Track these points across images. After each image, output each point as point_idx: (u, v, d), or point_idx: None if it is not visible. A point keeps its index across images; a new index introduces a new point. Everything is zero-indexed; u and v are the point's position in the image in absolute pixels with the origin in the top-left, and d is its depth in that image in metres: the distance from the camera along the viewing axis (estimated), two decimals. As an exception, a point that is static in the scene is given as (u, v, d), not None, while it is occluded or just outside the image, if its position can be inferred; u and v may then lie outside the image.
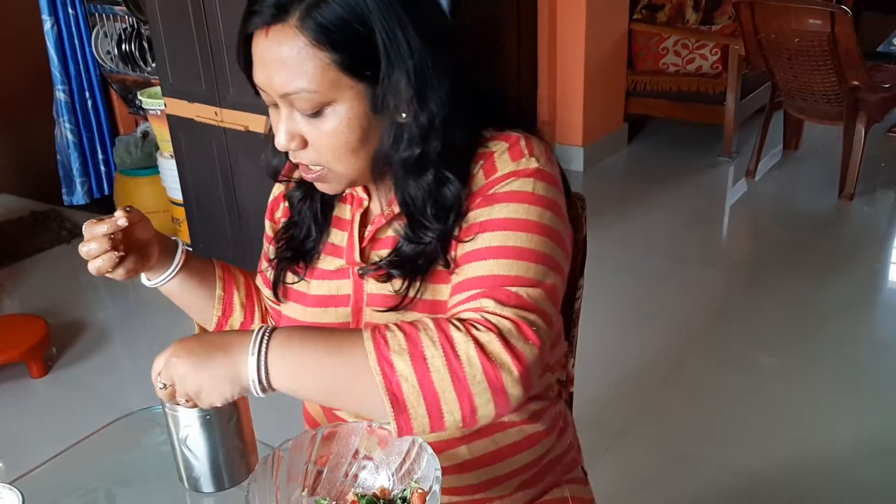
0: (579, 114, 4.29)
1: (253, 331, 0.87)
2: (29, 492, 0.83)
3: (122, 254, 0.99)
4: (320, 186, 1.01)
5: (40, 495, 1.03)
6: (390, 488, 0.92)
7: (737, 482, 2.16)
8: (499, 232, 0.93)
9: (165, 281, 1.10)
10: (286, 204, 1.14)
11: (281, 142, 0.95)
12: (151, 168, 3.69)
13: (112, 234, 0.97)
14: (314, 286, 1.09)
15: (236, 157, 3.04)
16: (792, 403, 2.47)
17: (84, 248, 0.97)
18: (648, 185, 4.20)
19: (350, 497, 0.91)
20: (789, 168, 4.37)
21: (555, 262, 0.94)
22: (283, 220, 1.15)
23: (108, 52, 3.74)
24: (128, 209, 1.00)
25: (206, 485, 1.04)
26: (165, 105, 3.20)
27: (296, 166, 1.02)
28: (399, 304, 0.99)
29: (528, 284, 0.90)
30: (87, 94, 3.87)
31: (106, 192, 4.06)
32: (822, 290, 3.13)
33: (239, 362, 0.85)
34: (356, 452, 0.94)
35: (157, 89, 3.33)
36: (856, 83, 3.66)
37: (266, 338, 0.86)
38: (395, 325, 0.87)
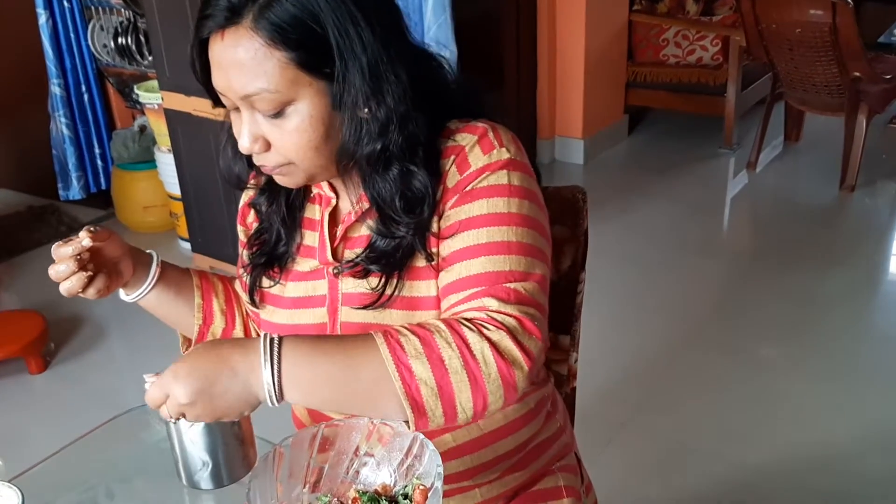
0: (579, 106, 4.28)
1: (256, 344, 0.86)
2: (28, 489, 0.82)
3: (91, 273, 0.99)
4: (280, 180, 1.00)
5: (40, 493, 1.02)
6: (392, 485, 0.91)
7: (737, 474, 2.16)
8: (484, 228, 0.94)
9: (142, 295, 1.10)
10: (253, 209, 1.15)
11: (244, 145, 0.94)
12: (149, 162, 3.67)
13: (79, 254, 0.98)
14: (290, 288, 1.09)
15: (235, 150, 3.02)
16: (792, 395, 2.47)
17: (52, 271, 0.98)
18: (649, 177, 4.19)
19: (351, 494, 0.90)
20: (790, 160, 4.36)
21: (541, 251, 0.96)
22: (254, 224, 1.15)
23: (105, 46, 3.72)
24: (91, 229, 1.01)
25: (206, 482, 1.03)
26: (163, 99, 3.18)
27: (257, 170, 1.03)
28: (376, 301, 0.99)
29: (522, 279, 0.92)
30: (84, 87, 3.86)
31: (103, 187, 4.05)
32: (823, 281, 3.12)
33: (250, 381, 0.85)
34: (357, 449, 0.93)
35: (154, 83, 3.31)
36: (857, 74, 3.64)
37: (276, 351, 0.85)
38: (406, 328, 0.88)
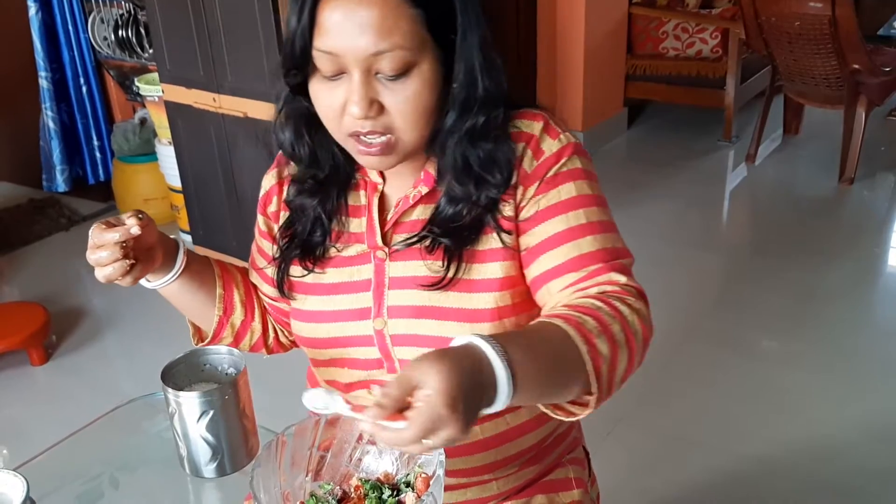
0: (579, 98, 4.28)
1: (492, 365, 0.76)
2: (33, 478, 0.83)
3: (133, 262, 0.95)
4: (373, 162, 0.96)
5: (44, 481, 1.03)
6: (394, 473, 0.92)
7: (737, 467, 2.17)
8: (581, 210, 0.99)
9: (168, 283, 1.07)
10: (285, 203, 1.10)
11: (356, 111, 0.90)
12: (150, 155, 3.68)
13: (124, 241, 0.94)
14: (330, 274, 1.07)
15: (235, 143, 3.03)
16: (792, 388, 2.48)
17: (93, 256, 0.94)
18: (648, 170, 4.20)
19: (354, 482, 0.91)
20: (789, 152, 4.37)
21: (616, 226, 1.03)
22: (282, 213, 1.12)
23: (105, 38, 3.72)
24: (140, 215, 0.96)
25: (209, 471, 1.05)
26: (163, 91, 3.18)
27: (306, 162, 1.02)
28: (435, 284, 0.99)
29: (624, 254, 1.00)
30: (82, 79, 3.86)
31: (101, 178, 4.05)
32: (823, 274, 3.13)
33: (490, 398, 0.76)
34: (360, 437, 0.94)
35: (155, 75, 3.31)
36: (856, 66, 3.64)
37: (510, 368, 0.76)
38: (572, 309, 0.88)
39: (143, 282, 1.04)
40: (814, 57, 3.72)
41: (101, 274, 0.95)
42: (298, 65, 0.93)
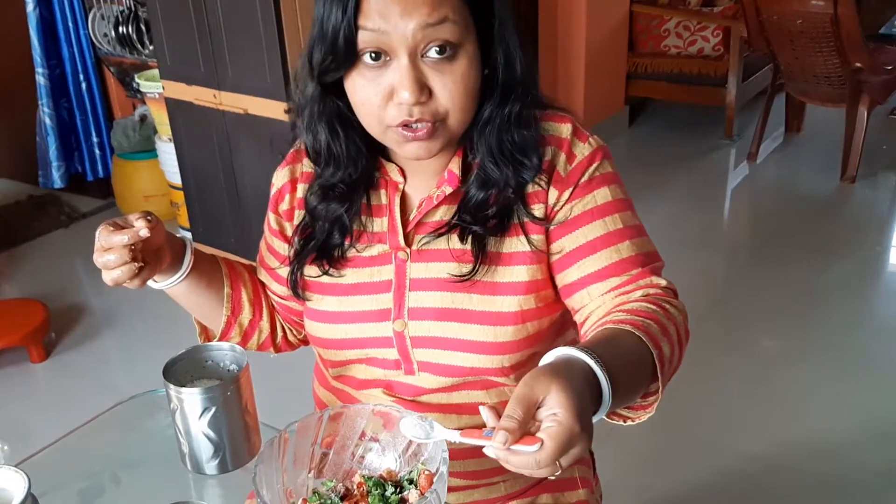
0: (580, 96, 4.27)
1: (589, 368, 0.77)
2: (34, 475, 0.83)
3: (142, 264, 0.93)
4: (418, 149, 0.93)
5: (45, 478, 1.02)
6: (397, 470, 0.91)
7: (738, 464, 2.17)
8: (617, 214, 1.00)
9: (175, 283, 1.05)
10: (308, 207, 1.07)
11: (409, 96, 0.88)
12: (150, 152, 3.67)
13: (133, 245, 0.92)
14: (350, 275, 1.05)
15: (236, 140, 3.03)
16: (793, 386, 2.47)
17: (101, 259, 0.92)
18: (649, 169, 4.19)
19: (356, 479, 0.90)
20: (791, 151, 4.36)
21: (645, 229, 1.05)
22: (297, 211, 1.09)
23: (105, 35, 3.71)
24: (149, 217, 0.94)
25: (210, 468, 1.04)
26: (163, 88, 3.18)
27: (337, 163, 1.01)
28: (463, 277, 0.98)
29: (657, 258, 1.02)
30: (81, 76, 3.85)
31: (100, 175, 4.05)
32: (824, 273, 3.13)
33: (591, 408, 0.76)
34: (363, 434, 0.93)
35: (155, 72, 3.30)
36: (858, 65, 3.64)
37: (612, 391, 0.77)
38: (634, 315, 0.89)
39: (150, 282, 1.02)
40: (815, 55, 3.72)
41: (108, 277, 0.93)
42: (341, 58, 0.90)
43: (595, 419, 0.76)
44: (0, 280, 3.40)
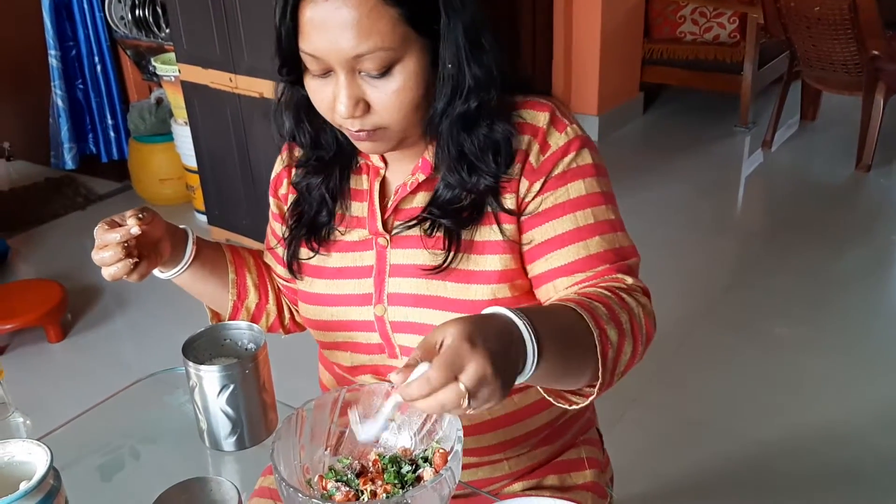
0: (595, 82, 4.26)
1: (516, 324, 0.77)
2: (55, 449, 0.84)
3: (137, 260, 0.97)
4: (367, 146, 0.97)
5: (67, 452, 1.04)
6: (412, 448, 0.92)
7: (750, 450, 2.17)
8: (590, 209, 0.99)
9: (178, 273, 1.09)
10: (296, 183, 1.12)
11: (343, 111, 0.91)
12: (166, 135, 3.69)
13: (125, 242, 0.95)
14: (334, 259, 1.08)
15: (251, 123, 3.04)
16: (806, 373, 2.47)
17: (97, 256, 0.96)
18: (663, 155, 4.18)
19: (372, 457, 0.92)
20: (806, 138, 4.34)
21: (623, 222, 1.03)
22: (290, 196, 1.14)
23: (122, 18, 3.72)
24: (140, 215, 0.97)
25: (228, 444, 1.06)
26: (179, 71, 3.19)
27: (308, 146, 1.04)
28: (433, 270, 0.99)
29: (630, 254, 1.00)
30: (96, 58, 3.87)
31: (115, 157, 4.08)
32: (838, 260, 3.12)
33: (520, 361, 0.77)
34: (378, 413, 0.94)
35: (171, 55, 3.32)
36: (875, 52, 3.61)
37: (534, 332, 0.77)
38: (585, 297, 0.89)
39: (156, 272, 1.07)
40: (833, 42, 3.69)
41: (106, 273, 0.97)
42: (289, 64, 0.94)
43: (520, 378, 0.76)
44: (17, 260, 3.44)
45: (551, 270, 0.98)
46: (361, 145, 0.98)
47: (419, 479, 0.87)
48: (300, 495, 0.79)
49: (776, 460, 2.13)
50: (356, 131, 0.95)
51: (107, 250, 0.95)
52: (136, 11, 3.62)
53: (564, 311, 0.86)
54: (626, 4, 4.32)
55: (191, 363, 1.02)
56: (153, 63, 3.49)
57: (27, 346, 2.81)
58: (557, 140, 0.99)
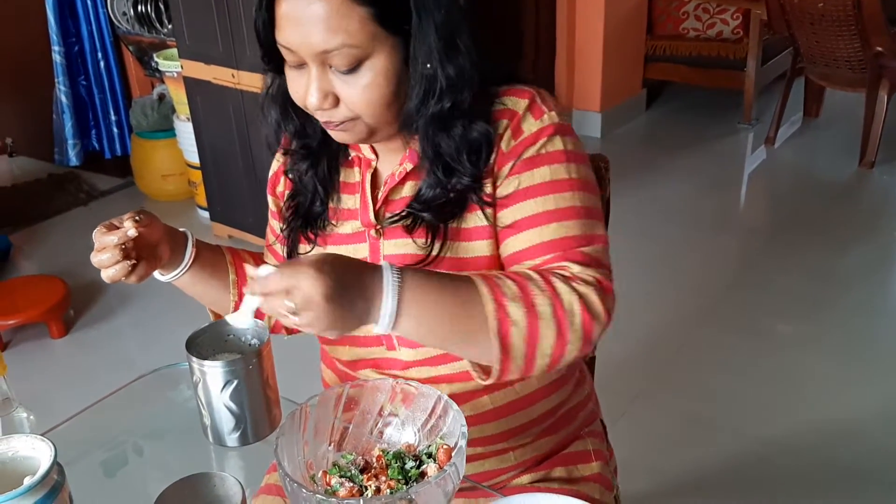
0: (597, 79, 4.25)
1: (380, 268, 0.85)
2: (59, 444, 0.84)
3: (134, 262, 0.98)
4: (341, 136, 1.00)
5: (70, 448, 1.04)
6: (416, 444, 0.92)
7: (752, 448, 2.17)
8: (551, 195, 0.97)
9: (178, 276, 1.10)
10: (288, 177, 1.14)
11: (313, 102, 0.94)
12: (168, 131, 3.69)
13: (123, 244, 0.97)
14: (330, 252, 1.09)
15: (253, 119, 3.03)
16: (808, 371, 2.47)
17: (95, 259, 0.98)
18: (666, 152, 4.17)
19: (376, 452, 0.92)
20: (810, 135, 4.33)
21: (599, 211, 1.00)
22: (286, 192, 1.15)
23: (125, 14, 3.72)
24: (137, 218, 0.99)
25: (232, 440, 1.05)
26: (182, 67, 3.19)
27: (295, 134, 1.06)
28: (423, 260, 1.00)
29: (592, 242, 0.97)
30: (100, 54, 3.87)
31: (118, 153, 4.08)
32: (841, 258, 3.11)
33: (374, 302, 0.84)
34: (382, 409, 0.95)
35: (174, 51, 3.32)
36: (879, 49, 3.60)
37: (399, 279, 0.84)
38: (500, 273, 0.90)
39: (156, 275, 1.08)
40: (836, 38, 3.68)
41: (104, 275, 0.99)
42: (270, 54, 0.98)
43: (379, 324, 0.84)
44: (20, 257, 3.44)
45: (508, 256, 1.00)
46: (334, 135, 1.00)
47: (423, 474, 0.87)
48: (304, 491, 0.79)
49: (778, 458, 2.13)
50: (325, 122, 0.98)
51: (105, 252, 0.97)
52: (139, 7, 3.63)
53: (461, 279, 0.88)
54: (629, 1, 4.31)
55: (194, 359, 1.01)
56: (155, 59, 3.49)
57: (30, 342, 2.82)
58: (531, 126, 0.99)
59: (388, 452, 0.91)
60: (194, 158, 3.44)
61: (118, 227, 0.98)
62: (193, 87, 3.18)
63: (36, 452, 0.86)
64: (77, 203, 3.88)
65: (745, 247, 3.32)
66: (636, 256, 3.13)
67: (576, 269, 0.93)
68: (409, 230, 1.01)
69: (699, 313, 2.79)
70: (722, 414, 2.31)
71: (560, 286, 0.90)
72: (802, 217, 3.48)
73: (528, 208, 0.98)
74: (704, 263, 3.16)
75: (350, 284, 0.81)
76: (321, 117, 0.97)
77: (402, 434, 0.94)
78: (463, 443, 0.84)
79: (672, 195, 3.71)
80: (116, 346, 2.82)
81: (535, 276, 0.90)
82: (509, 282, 0.88)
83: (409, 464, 0.89)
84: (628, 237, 3.18)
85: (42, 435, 0.87)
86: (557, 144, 0.99)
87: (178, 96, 3.40)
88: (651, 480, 2.09)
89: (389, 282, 0.84)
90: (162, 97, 3.73)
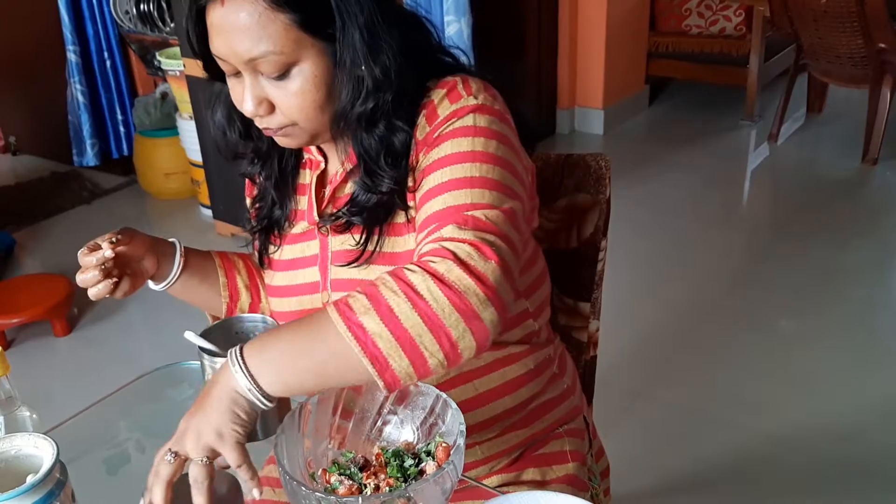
0: (600, 76, 4.25)
1: (230, 365, 0.87)
2: (61, 442, 0.85)
3: (116, 279, 1.02)
4: (283, 142, 1.02)
5: (73, 446, 1.05)
6: (415, 442, 0.93)
7: (756, 444, 2.17)
8: (447, 167, 0.94)
9: (169, 284, 1.13)
10: (241, 173, 1.18)
11: (248, 108, 0.96)
12: (171, 129, 3.69)
13: (102, 264, 1.00)
14: (285, 251, 1.13)
15: (256, 117, 3.03)
16: (811, 366, 2.47)
17: (80, 278, 1.01)
18: (669, 149, 4.17)
19: (375, 450, 0.92)
20: (812, 132, 4.32)
21: (510, 189, 0.94)
22: (248, 199, 1.19)
23: (127, 13, 3.73)
24: (113, 239, 1.02)
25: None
26: (184, 66, 3.19)
27: (251, 136, 1.08)
28: (360, 257, 1.02)
29: (484, 208, 0.90)
30: (106, 54, 3.88)
31: (125, 153, 4.08)
32: (844, 254, 3.11)
33: (231, 384, 0.85)
34: (381, 408, 0.95)
35: (176, 50, 3.32)
36: (882, 45, 3.60)
37: (239, 353, 0.86)
38: (357, 290, 0.86)
39: (150, 284, 1.12)
40: (839, 35, 3.68)
41: (90, 294, 1.02)
42: (208, 65, 1.00)
43: (257, 398, 0.85)
44: (23, 255, 3.45)
45: (405, 252, 1.01)
46: (277, 140, 1.02)
47: (422, 472, 0.88)
48: (304, 489, 0.79)
49: (781, 454, 2.13)
50: (265, 129, 1.00)
51: (87, 272, 1.01)
52: (141, 6, 3.63)
53: (315, 318, 0.85)
54: (632, -3, 4.31)
55: (206, 355, 1.02)
56: (158, 57, 3.50)
57: (33, 340, 2.83)
58: (446, 110, 0.97)
59: (387, 450, 0.91)
60: (197, 157, 3.44)
61: (100, 248, 1.01)
62: (196, 85, 3.18)
63: (38, 451, 0.86)
64: (80, 201, 3.89)
65: (749, 243, 3.32)
66: (638, 252, 3.13)
67: (447, 232, 0.87)
68: (347, 229, 1.04)
69: (702, 308, 2.79)
70: (724, 409, 2.31)
71: (412, 277, 0.83)
72: (805, 213, 3.47)
73: (425, 185, 0.96)
74: (707, 259, 3.16)
75: (204, 396, 0.86)
76: (260, 124, 1.00)
77: (401, 432, 0.94)
78: (461, 441, 0.85)
79: (675, 192, 3.71)
80: (120, 343, 2.83)
81: (387, 277, 0.85)
82: (360, 296, 0.84)
83: (408, 462, 0.89)
84: (631, 233, 3.19)
85: (45, 433, 0.88)
86: (467, 121, 0.96)
87: (181, 95, 3.40)
88: (653, 477, 2.09)
89: (231, 361, 0.85)
90: (164, 96, 3.73)
